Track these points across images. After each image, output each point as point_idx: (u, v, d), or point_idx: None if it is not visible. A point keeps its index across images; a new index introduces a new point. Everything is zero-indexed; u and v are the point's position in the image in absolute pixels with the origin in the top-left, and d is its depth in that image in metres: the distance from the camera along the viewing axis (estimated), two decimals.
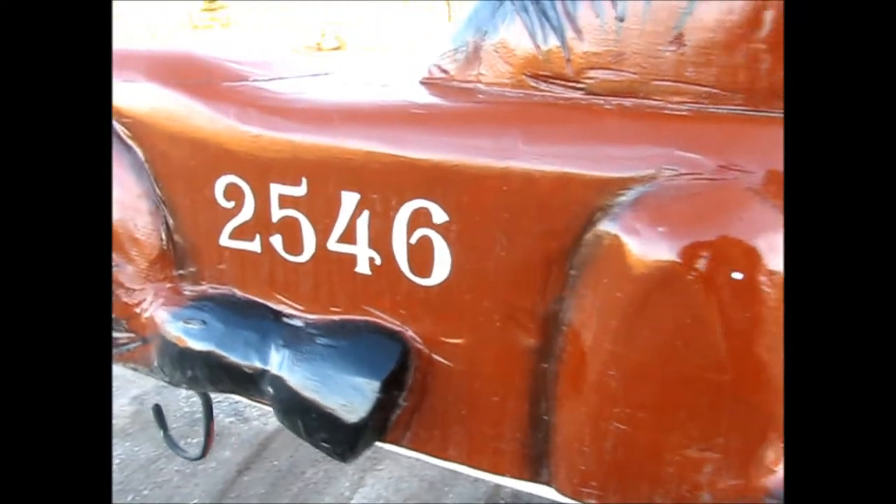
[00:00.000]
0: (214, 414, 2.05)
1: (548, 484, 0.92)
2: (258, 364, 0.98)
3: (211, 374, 1.03)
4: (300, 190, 0.95)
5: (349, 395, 0.90)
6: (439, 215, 0.86)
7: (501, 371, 0.90)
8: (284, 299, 1.03)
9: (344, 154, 0.91)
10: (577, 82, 0.83)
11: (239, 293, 1.07)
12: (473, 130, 0.85)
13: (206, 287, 1.10)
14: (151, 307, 1.10)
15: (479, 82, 0.92)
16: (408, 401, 0.95)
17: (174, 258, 1.11)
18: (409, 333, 0.94)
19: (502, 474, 0.94)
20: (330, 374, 0.92)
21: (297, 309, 1.02)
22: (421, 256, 0.89)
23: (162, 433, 1.42)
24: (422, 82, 0.98)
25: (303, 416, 0.94)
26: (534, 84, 0.86)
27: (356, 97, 0.98)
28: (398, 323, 0.94)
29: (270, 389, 0.97)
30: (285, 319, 1.02)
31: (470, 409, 0.93)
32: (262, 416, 2.00)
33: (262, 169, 0.98)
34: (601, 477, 0.83)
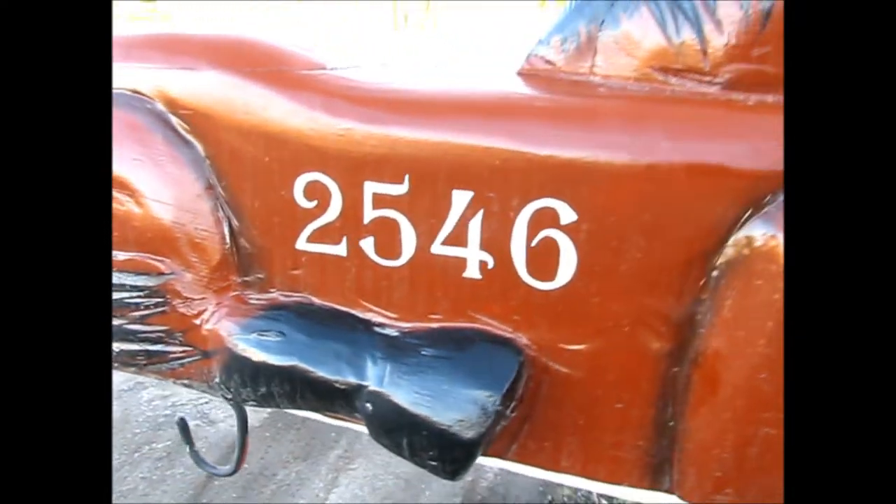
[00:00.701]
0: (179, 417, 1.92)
1: (669, 492, 0.89)
2: (352, 379, 0.90)
3: (293, 390, 0.93)
4: (401, 188, 0.88)
5: (467, 410, 0.84)
6: (568, 215, 0.82)
7: (627, 377, 0.86)
8: (373, 307, 0.95)
9: (455, 149, 0.85)
10: (714, 76, 0.80)
11: (316, 301, 0.98)
12: (608, 126, 0.80)
13: (276, 294, 1.00)
14: (213, 318, 0.99)
15: (594, 75, 0.87)
16: (516, 412, 0.90)
17: (238, 264, 1.01)
18: (524, 341, 0.88)
19: (620, 483, 0.90)
20: (444, 388, 0.85)
21: (388, 317, 0.94)
22: (542, 259, 0.84)
23: (188, 449, 1.30)
24: (520, 73, 0.93)
25: (410, 434, 0.87)
26: (662, 78, 0.83)
27: (457, 88, 0.91)
28: (510, 330, 0.89)
29: (369, 406, 0.89)
30: (377, 329, 0.94)
31: (588, 417, 0.89)
32: (228, 418, 1.89)
33: (353, 165, 0.90)
34: (740, 483, 0.80)
